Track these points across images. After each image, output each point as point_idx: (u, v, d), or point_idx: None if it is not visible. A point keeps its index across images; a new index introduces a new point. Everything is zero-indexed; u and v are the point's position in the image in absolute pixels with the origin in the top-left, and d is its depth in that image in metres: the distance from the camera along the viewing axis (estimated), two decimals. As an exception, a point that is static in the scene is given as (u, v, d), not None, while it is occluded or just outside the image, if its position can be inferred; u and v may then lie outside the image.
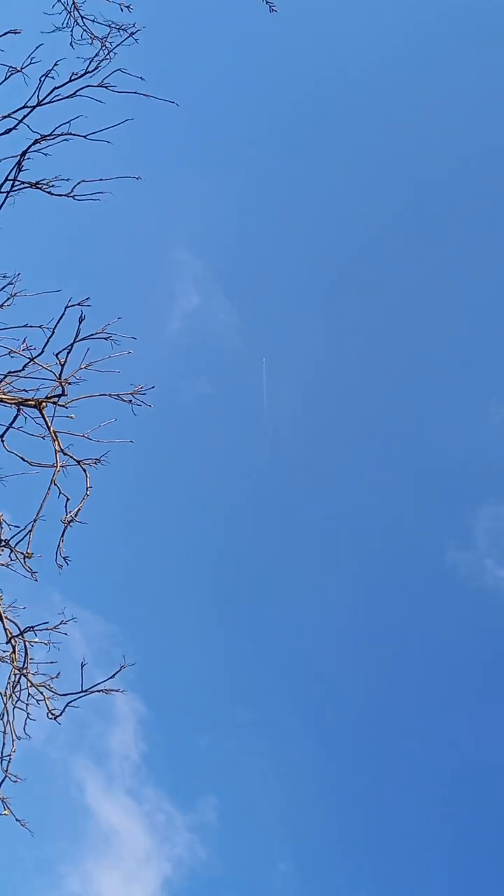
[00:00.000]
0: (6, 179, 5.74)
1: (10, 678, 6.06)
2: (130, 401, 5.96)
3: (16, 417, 5.86)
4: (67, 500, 5.96)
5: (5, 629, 6.01)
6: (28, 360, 5.76)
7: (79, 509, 5.88)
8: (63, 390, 5.78)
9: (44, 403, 5.80)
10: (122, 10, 5.63)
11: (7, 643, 6.08)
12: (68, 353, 5.79)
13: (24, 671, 6.01)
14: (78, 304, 5.69)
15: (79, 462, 5.95)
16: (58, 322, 5.72)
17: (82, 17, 5.66)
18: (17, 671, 6.03)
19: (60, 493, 5.88)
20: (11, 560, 5.87)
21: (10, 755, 6.01)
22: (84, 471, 5.96)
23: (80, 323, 5.73)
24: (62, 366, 5.79)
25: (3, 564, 6.06)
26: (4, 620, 5.99)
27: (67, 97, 5.62)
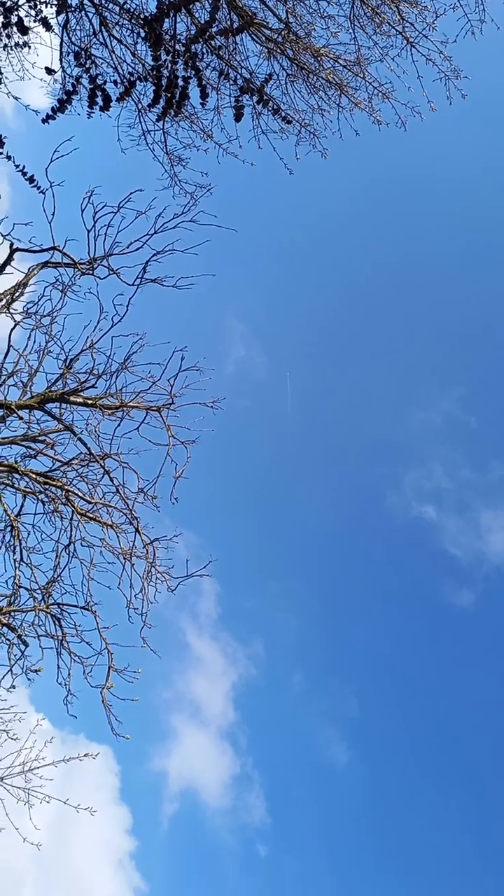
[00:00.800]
0: (137, 277, 9.76)
1: (145, 568, 10.37)
2: (211, 407, 10.01)
3: (145, 417, 10.03)
4: (175, 464, 10.10)
5: (142, 539, 10.31)
6: (152, 384, 9.88)
7: (183, 470, 10.02)
8: (173, 401, 9.88)
9: (162, 409, 9.93)
10: (202, 175, 9.34)
11: (143, 548, 10.38)
12: (175, 377, 9.88)
13: (154, 564, 10.30)
14: (181, 350, 9.73)
15: (182, 442, 10.06)
16: (168, 360, 9.79)
17: (179, 181, 9.44)
18: (149, 564, 10.33)
19: (172, 459, 10.02)
20: (146, 499, 10.11)
21: (146, 612, 10.35)
22: (186, 447, 10.07)
23: (181, 360, 9.80)
24: (171, 386, 9.89)
25: (140, 503, 10.32)
26: (141, 534, 10.28)
27: (171, 228, 9.51)
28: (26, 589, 10.88)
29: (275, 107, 6.70)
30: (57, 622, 10.87)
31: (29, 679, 10.87)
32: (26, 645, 10.86)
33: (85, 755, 12.64)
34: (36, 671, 10.68)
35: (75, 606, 10.88)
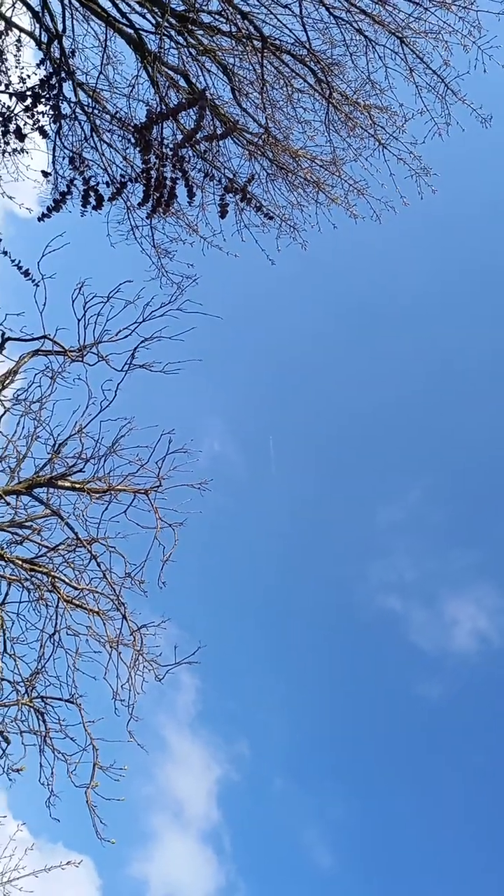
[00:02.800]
0: (125, 363, 10.02)
1: (132, 656, 10.14)
2: (199, 488, 10.09)
3: (133, 500, 10.06)
4: (163, 547, 10.07)
5: (129, 626, 10.12)
6: (139, 467, 9.97)
7: (170, 553, 9.98)
8: (160, 483, 9.95)
9: (150, 491, 9.98)
10: (188, 266, 9.82)
11: (130, 635, 10.18)
12: (162, 460, 9.98)
13: (141, 651, 10.08)
14: (168, 433, 9.89)
15: (170, 525, 10.06)
16: (156, 443, 9.92)
17: (167, 272, 9.90)
18: (136, 652, 10.10)
19: (160, 543, 9.99)
20: (133, 584, 10.00)
21: (133, 703, 10.04)
22: (173, 530, 10.06)
23: (169, 443, 9.94)
24: (159, 468, 9.98)
25: (127, 588, 10.20)
26: (128, 620, 10.11)
27: (159, 316, 9.86)
28: (9, 682, 10.55)
29: (257, 204, 7.16)
30: (40, 717, 10.50)
31: (10, 779, 10.39)
32: (8, 742, 10.43)
33: (67, 863, 11.91)
34: (17, 770, 10.22)
35: (60, 699, 10.54)
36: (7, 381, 10.21)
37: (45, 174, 7.47)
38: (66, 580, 10.55)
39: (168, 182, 6.71)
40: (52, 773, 10.18)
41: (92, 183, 6.81)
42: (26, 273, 7.12)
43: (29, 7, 8.47)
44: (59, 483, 10.19)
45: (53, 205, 6.73)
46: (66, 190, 6.68)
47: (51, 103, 6.69)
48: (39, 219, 6.88)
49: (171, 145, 7.06)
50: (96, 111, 8.74)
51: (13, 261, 6.90)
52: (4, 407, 10.40)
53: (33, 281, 7.34)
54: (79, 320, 9.87)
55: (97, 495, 10.25)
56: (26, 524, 10.81)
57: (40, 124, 6.66)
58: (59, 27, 8.51)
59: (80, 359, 10.06)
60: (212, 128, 7.89)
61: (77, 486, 10.19)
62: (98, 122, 8.99)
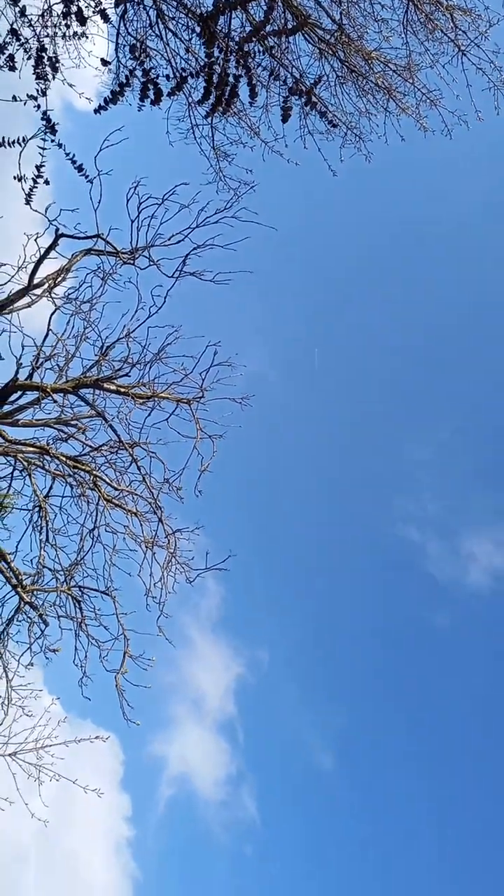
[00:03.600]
0: (176, 269, 9.85)
1: (166, 558, 10.49)
2: (240, 402, 10.08)
3: (175, 409, 10.13)
4: (201, 457, 10.19)
5: (164, 529, 10.42)
6: (184, 376, 9.98)
7: (208, 464, 10.10)
8: (203, 394, 9.97)
9: (192, 402, 10.02)
10: (246, 172, 9.41)
11: (165, 538, 10.49)
12: (206, 372, 9.96)
13: (175, 554, 10.41)
14: (214, 345, 9.82)
15: (210, 436, 10.14)
16: (201, 354, 9.88)
17: (224, 176, 9.50)
18: (170, 554, 10.44)
19: (199, 453, 10.10)
20: (170, 490, 10.22)
21: (164, 601, 10.46)
22: (213, 441, 10.15)
23: (214, 355, 9.88)
24: (203, 380, 9.97)
25: (164, 493, 10.43)
26: (164, 524, 10.40)
27: (213, 223, 9.59)
28: (50, 570, 11.08)
29: (322, 109, 6.75)
30: (77, 604, 11.05)
31: (47, 658, 11.06)
32: (46, 624, 11.06)
33: (96, 737, 12.81)
34: (54, 651, 10.86)
35: (96, 591, 11.05)
36: (59, 279, 10.18)
37: (105, 63, 7.12)
38: (108, 480, 10.84)
39: (231, 79, 6.36)
40: (85, 656, 10.80)
41: (152, 75, 6.49)
42: (80, 168, 6.92)
43: None
44: (105, 385, 10.30)
45: (111, 97, 6.46)
46: (124, 82, 6.40)
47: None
48: (96, 111, 6.63)
49: (237, 38, 6.64)
50: (162, -4, 8.21)
51: (68, 154, 6.71)
52: (55, 305, 10.43)
53: (87, 177, 7.15)
54: (132, 221, 9.70)
55: (141, 401, 10.35)
56: (72, 423, 11.03)
57: (102, 7, 6.31)
58: None
59: (132, 261, 9.93)
60: (282, 21, 7.37)
61: (122, 389, 10.29)
62: (164, 6, 8.47)
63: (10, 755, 12.20)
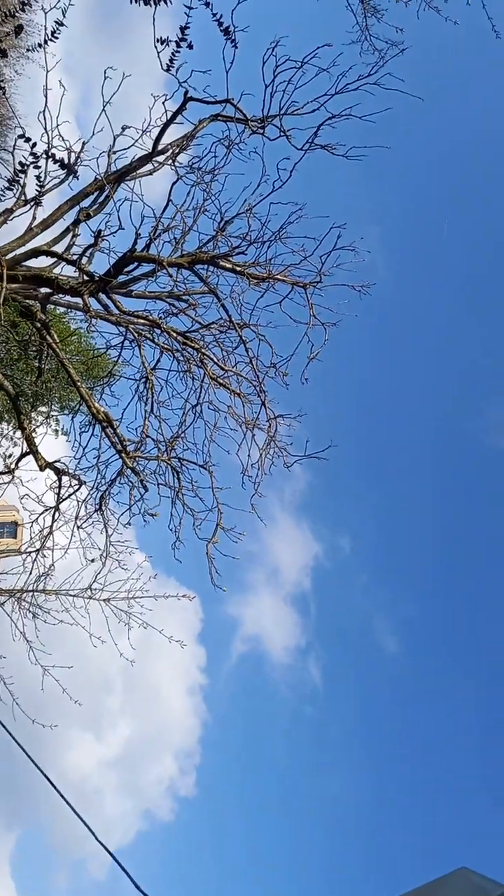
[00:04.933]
0: (307, 141, 9.05)
1: (265, 440, 10.41)
2: (360, 291, 9.48)
3: (290, 292, 9.65)
4: (312, 344, 9.79)
5: (267, 412, 10.26)
6: (302, 258, 9.41)
7: (318, 352, 9.71)
8: (321, 279, 9.41)
9: (308, 286, 9.50)
10: (396, 31, 8.28)
11: (266, 421, 10.36)
12: (327, 255, 9.35)
13: (274, 438, 10.31)
14: (338, 227, 9.13)
15: (323, 324, 9.68)
16: (324, 236, 9.23)
17: (371, 36, 8.42)
18: (270, 437, 10.35)
19: (309, 339, 9.70)
20: (276, 375, 9.97)
21: (259, 481, 10.49)
22: (325, 329, 9.70)
23: (337, 238, 9.22)
24: (322, 264, 9.38)
25: (270, 377, 10.18)
26: (267, 407, 10.23)
27: (353, 90, 8.64)
28: (152, 439, 11.23)
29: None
30: (176, 475, 11.26)
31: (145, 521, 11.48)
32: (146, 489, 11.38)
33: (183, 595, 13.49)
34: (152, 515, 11.23)
35: (194, 463, 11.20)
36: (184, 146, 9.57)
37: None
38: (214, 359, 10.65)
39: None
40: (180, 522, 11.13)
41: None
42: (227, 31, 6.18)
43: None
44: (221, 263, 9.87)
45: None
46: None
47: None
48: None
49: None
50: None
51: (214, 15, 5.97)
52: (178, 173, 9.87)
53: (233, 40, 6.41)
54: (266, 87, 8.85)
55: (255, 281, 9.90)
56: (183, 298, 10.76)
57: None
58: None
59: (261, 130, 9.16)
60: None
61: (238, 268, 9.84)
62: None
63: (104, 600, 13.09)
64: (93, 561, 12.02)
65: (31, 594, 12.11)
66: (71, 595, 13.00)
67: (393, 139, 8.48)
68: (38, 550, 12.10)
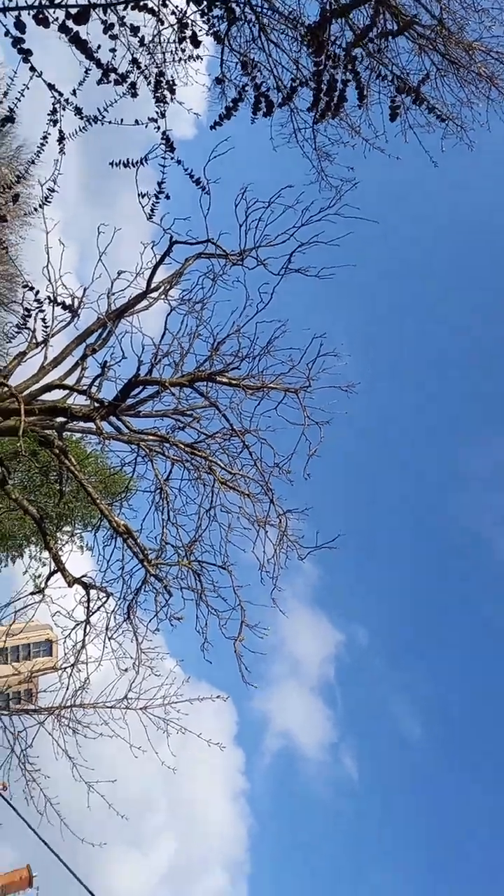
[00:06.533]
0: (282, 267, 9.89)
1: (278, 536, 10.68)
2: (346, 390, 10.05)
3: (283, 398, 10.23)
4: (309, 443, 10.27)
5: (276, 509, 10.59)
6: (291, 367, 10.04)
7: (316, 449, 10.17)
8: (309, 384, 10.01)
9: (299, 391, 10.08)
10: (348, 170, 9.27)
11: (276, 517, 10.67)
12: (313, 362, 9.99)
13: (286, 532, 10.59)
14: (319, 336, 9.81)
15: (316, 423, 10.19)
16: (308, 345, 9.90)
17: (326, 176, 9.42)
18: (281, 532, 10.63)
19: (306, 438, 10.18)
20: (280, 473, 10.37)
21: (277, 576, 10.66)
22: (320, 427, 10.20)
23: (320, 346, 9.88)
24: (309, 370, 10.01)
25: (275, 476, 10.59)
26: (275, 504, 10.57)
27: (317, 221, 9.53)
28: (172, 546, 11.54)
29: (430, 105, 6.53)
30: (197, 577, 11.47)
31: (172, 625, 11.57)
32: (170, 595, 11.55)
33: (217, 696, 13.32)
34: (178, 619, 11.33)
35: (213, 564, 11.43)
36: (174, 282, 10.44)
37: (219, 80, 7.18)
38: (222, 465, 11.12)
39: (339, 84, 6.26)
40: (206, 623, 11.22)
41: (263, 89, 6.49)
42: (197, 182, 7.05)
43: None
44: (218, 378, 10.53)
45: (225, 112, 6.51)
46: (237, 97, 6.43)
47: (225, 5, 6.33)
48: (211, 127, 6.72)
49: (341, 45, 6.52)
50: (265, 10, 8.16)
51: (186, 170, 6.85)
52: (171, 306, 10.73)
53: (205, 189, 7.28)
54: (240, 225, 9.79)
55: (251, 391, 10.52)
56: (188, 413, 11.36)
57: (215, 29, 6.36)
58: None
59: (240, 262, 10.04)
60: (383, 23, 7.16)
61: (233, 381, 10.49)
62: (266, 20, 8.42)
63: (141, 709, 12.92)
64: (126, 670, 12.01)
65: (69, 710, 12.02)
66: (108, 707, 12.88)
67: (357, 256, 9.24)
68: (72, 665, 12.13)
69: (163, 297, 10.63)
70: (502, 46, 8.11)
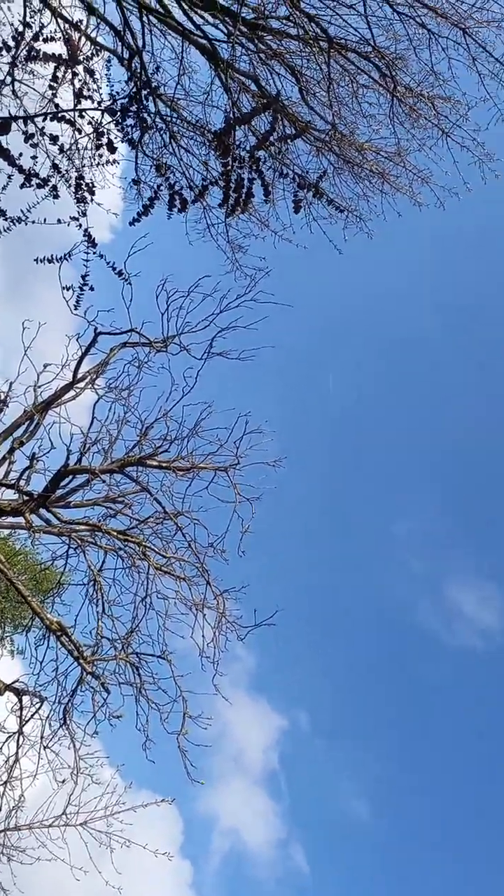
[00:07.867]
0: (205, 352, 10.19)
1: (216, 618, 10.42)
2: (273, 465, 10.22)
3: (214, 477, 10.29)
4: (242, 520, 10.26)
5: (212, 590, 10.39)
6: (219, 446, 10.17)
7: (249, 525, 10.17)
8: (238, 461, 10.13)
9: (229, 469, 10.18)
10: (260, 260, 9.86)
11: (214, 599, 10.45)
12: (240, 440, 10.15)
13: (224, 614, 10.35)
14: (244, 415, 10.03)
15: (248, 499, 10.25)
16: (234, 424, 10.09)
17: (240, 266, 9.96)
18: (220, 614, 10.39)
19: (239, 516, 10.19)
20: (215, 553, 10.27)
21: (217, 660, 10.33)
22: (251, 503, 10.24)
23: (245, 424, 10.09)
24: (237, 448, 10.16)
25: (209, 556, 10.47)
26: (212, 586, 10.38)
27: (234, 307, 9.96)
28: (108, 639, 11.05)
29: (329, 199, 7.13)
30: (136, 671, 10.96)
31: (111, 725, 10.90)
32: (108, 692, 10.95)
33: (162, 800, 12.42)
34: (117, 717, 10.72)
35: (152, 655, 10.98)
36: (100, 372, 10.56)
37: (136, 182, 7.65)
38: (156, 549, 10.92)
39: (246, 183, 6.74)
40: (147, 720, 10.64)
41: (176, 188, 6.91)
42: (120, 273, 7.31)
43: (111, 27, 8.59)
44: (148, 462, 10.51)
45: (143, 210, 6.88)
46: (153, 195, 6.82)
47: (138, 116, 6.81)
48: (131, 223, 7.06)
49: (247, 148, 7.07)
50: (175, 120, 8.82)
51: (108, 263, 7.11)
52: (97, 394, 10.78)
53: (127, 280, 7.55)
54: (162, 314, 10.12)
55: (182, 473, 10.53)
56: (119, 500, 11.21)
57: (129, 136, 6.80)
58: (140, 43, 8.60)
59: (164, 349, 10.30)
60: (282, 128, 7.88)
61: (164, 464, 10.49)
62: (176, 129, 9.07)
63: (80, 824, 11.85)
64: (63, 782, 11.13)
65: (2, 834, 10.95)
66: (45, 826, 11.77)
67: (275, 338, 9.66)
68: (4, 783, 11.16)
69: (89, 386, 10.69)
70: (390, 146, 9.04)
